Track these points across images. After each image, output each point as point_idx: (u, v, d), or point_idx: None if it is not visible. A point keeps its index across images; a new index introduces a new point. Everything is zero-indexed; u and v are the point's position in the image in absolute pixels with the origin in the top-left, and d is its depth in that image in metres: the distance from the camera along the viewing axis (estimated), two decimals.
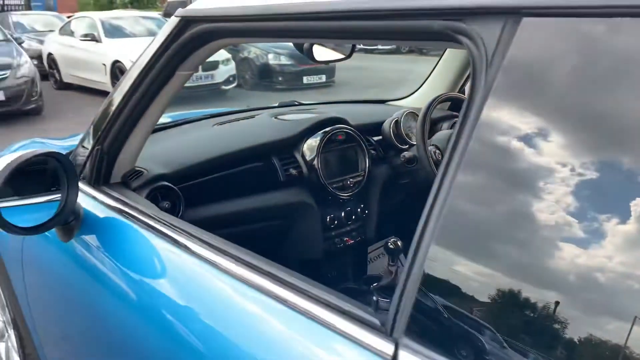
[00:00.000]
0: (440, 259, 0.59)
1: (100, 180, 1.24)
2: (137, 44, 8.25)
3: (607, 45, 0.53)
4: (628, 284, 0.47)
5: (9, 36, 8.05)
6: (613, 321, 0.48)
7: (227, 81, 8.70)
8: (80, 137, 1.39)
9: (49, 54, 10.15)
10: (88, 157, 1.25)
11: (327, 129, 1.68)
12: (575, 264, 0.50)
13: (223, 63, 8.57)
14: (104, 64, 8.55)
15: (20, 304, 1.60)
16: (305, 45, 1.58)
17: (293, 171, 1.62)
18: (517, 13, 0.57)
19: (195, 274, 0.93)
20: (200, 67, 7.96)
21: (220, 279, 0.87)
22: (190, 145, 1.61)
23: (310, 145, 1.66)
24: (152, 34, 9.33)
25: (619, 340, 0.47)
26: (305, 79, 9.22)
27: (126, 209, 1.12)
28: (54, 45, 10.04)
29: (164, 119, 1.81)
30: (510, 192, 0.57)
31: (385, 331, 0.62)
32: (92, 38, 8.86)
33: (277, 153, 1.63)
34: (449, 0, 0.63)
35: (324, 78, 9.43)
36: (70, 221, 1.17)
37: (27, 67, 7.28)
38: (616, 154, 0.51)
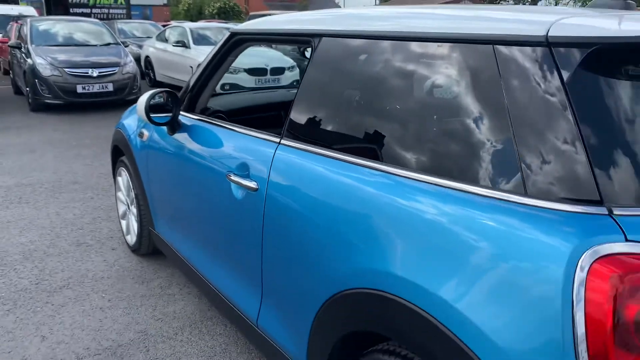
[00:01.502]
0: (298, 112, 1.86)
1: (189, 109, 2.58)
2: None
3: (350, 50, 1.77)
4: None
5: (118, 40, 9.87)
6: None
7: (291, 85, 10.11)
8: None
9: (146, 57, 12.02)
10: (184, 98, 2.59)
11: None
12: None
13: (289, 69, 9.98)
14: (191, 66, 10.19)
15: (143, 183, 2.98)
16: (301, 49, 2.88)
17: None
18: (321, 35, 1.84)
19: (237, 139, 2.20)
20: (269, 72, 9.47)
21: (249, 140, 2.14)
22: (235, 101, 2.95)
23: None
24: None
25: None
26: None
27: (201, 119, 2.45)
28: (151, 49, 11.88)
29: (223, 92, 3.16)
30: (312, 92, 1.83)
31: (279, 135, 1.89)
32: (183, 44, 10.57)
33: (283, 109, 2.94)
34: (306, 31, 1.91)
35: None
36: (175, 125, 2.52)
37: (131, 65, 9.03)
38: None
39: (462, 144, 1.33)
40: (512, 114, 1.24)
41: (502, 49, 1.30)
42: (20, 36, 9.53)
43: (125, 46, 9.88)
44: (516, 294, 1.11)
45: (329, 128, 1.74)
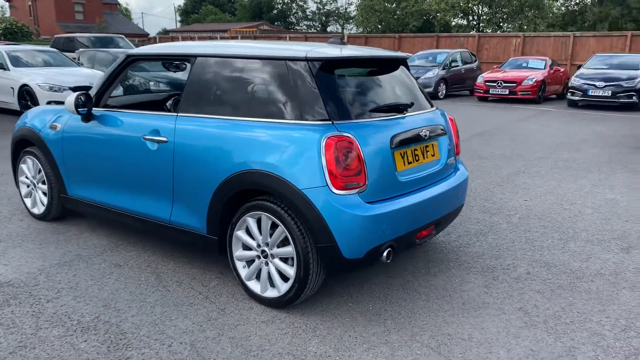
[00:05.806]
0: (186, 99, 3.39)
1: (97, 104, 3.91)
2: (39, 71, 10.45)
3: (211, 64, 3.35)
4: None
5: None
6: None
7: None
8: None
9: None
10: (94, 97, 3.91)
11: None
12: None
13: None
14: (12, 88, 10.59)
15: (57, 162, 4.16)
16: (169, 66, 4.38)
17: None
18: (197, 56, 3.41)
19: (144, 117, 3.62)
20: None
21: (155, 117, 3.58)
22: (127, 99, 4.33)
23: None
24: (47, 64, 11.53)
25: None
26: None
27: (104, 110, 3.81)
28: None
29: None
30: (192, 88, 3.39)
31: (176, 112, 3.40)
32: (1, 67, 10.86)
33: (161, 101, 4.39)
34: (187, 53, 3.47)
35: None
36: (89, 115, 3.84)
37: None
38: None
39: (274, 104, 3.04)
40: (293, 87, 2.98)
41: (289, 62, 3.04)
42: None
43: None
44: (304, 157, 2.84)
45: (200, 104, 3.31)
